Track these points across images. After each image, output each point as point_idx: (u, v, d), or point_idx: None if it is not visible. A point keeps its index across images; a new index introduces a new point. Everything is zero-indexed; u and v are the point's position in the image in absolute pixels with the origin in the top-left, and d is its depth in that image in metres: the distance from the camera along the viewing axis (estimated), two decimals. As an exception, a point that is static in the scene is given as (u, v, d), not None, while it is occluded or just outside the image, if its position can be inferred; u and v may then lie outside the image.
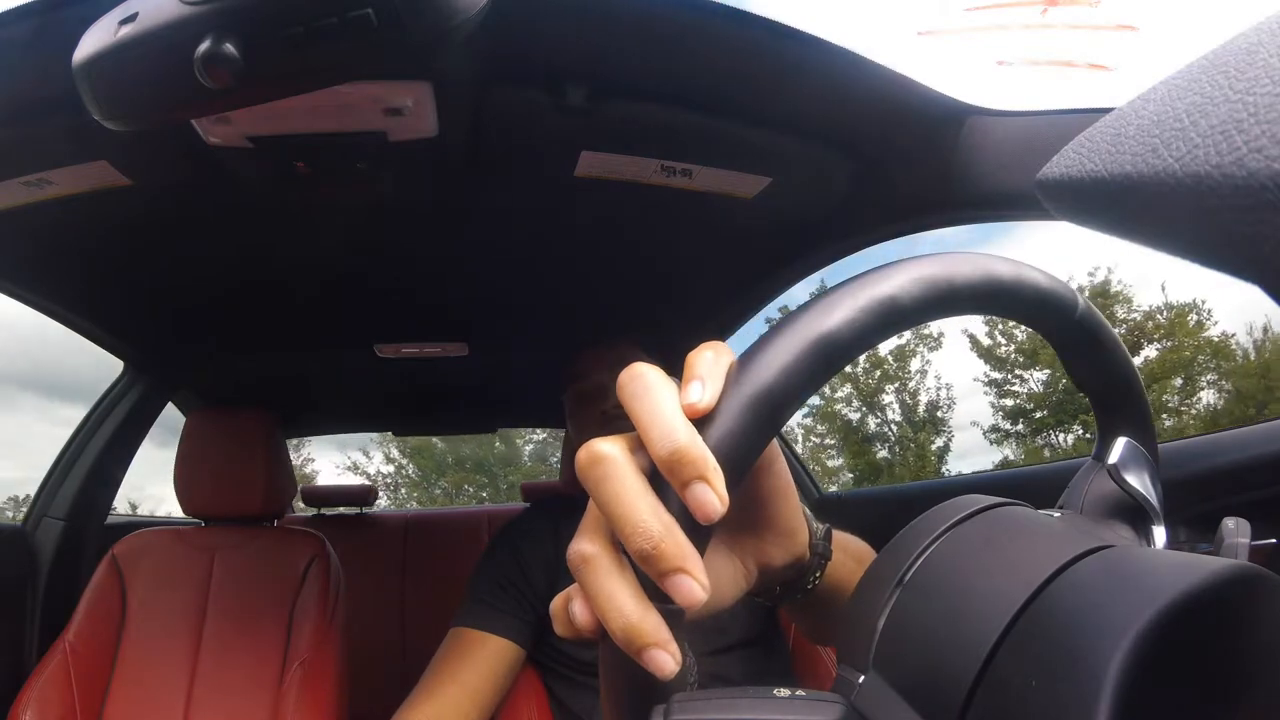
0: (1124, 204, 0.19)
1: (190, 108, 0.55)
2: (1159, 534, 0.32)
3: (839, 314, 0.25)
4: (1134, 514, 0.32)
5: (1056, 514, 0.31)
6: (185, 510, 1.41)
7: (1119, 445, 0.33)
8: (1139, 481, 0.32)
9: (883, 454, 17.65)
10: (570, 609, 0.25)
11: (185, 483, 1.38)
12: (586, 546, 0.24)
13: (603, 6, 0.68)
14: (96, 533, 1.54)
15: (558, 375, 1.18)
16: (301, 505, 2.39)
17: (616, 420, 1.05)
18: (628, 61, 0.75)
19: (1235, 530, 0.31)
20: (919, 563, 0.28)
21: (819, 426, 18.53)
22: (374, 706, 1.28)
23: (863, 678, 0.26)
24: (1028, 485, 1.36)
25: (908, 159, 0.90)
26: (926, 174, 0.90)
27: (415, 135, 0.77)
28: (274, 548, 1.37)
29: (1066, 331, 0.31)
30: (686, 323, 1.43)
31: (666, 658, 0.23)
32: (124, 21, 0.48)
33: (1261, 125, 0.15)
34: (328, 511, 2.25)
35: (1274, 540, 0.70)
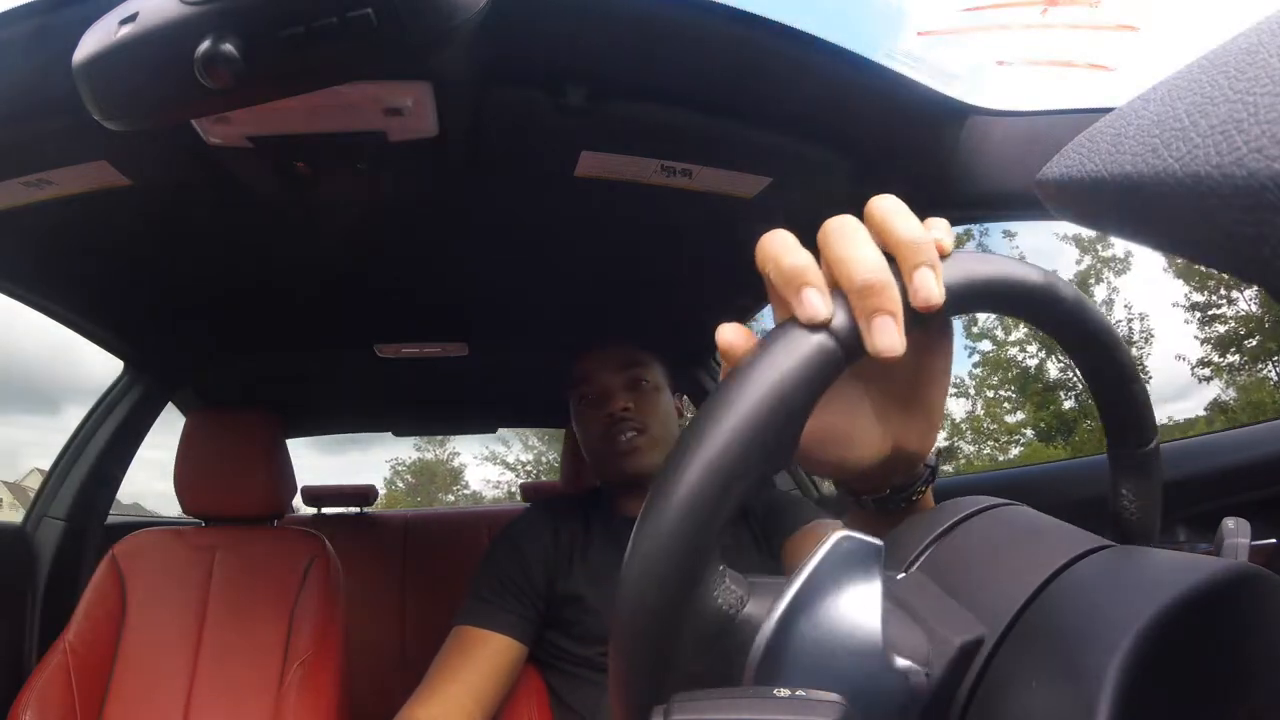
0: (1124, 204, 0.19)
1: (190, 108, 0.55)
2: None
3: (1040, 278, 0.28)
4: None
5: None
6: (185, 510, 1.40)
7: None
8: None
9: (1068, 404, 14.48)
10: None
11: (185, 483, 1.37)
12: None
13: (603, 6, 0.68)
14: (96, 533, 1.54)
15: (558, 375, 1.18)
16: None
17: (622, 422, 1.06)
18: (628, 61, 0.75)
19: (1235, 530, 0.32)
20: (920, 562, 0.28)
21: (992, 377, 15.27)
22: (375, 706, 1.28)
23: (902, 574, 0.28)
24: (1029, 485, 1.36)
25: (908, 159, 0.90)
26: (926, 174, 0.90)
27: (415, 135, 0.77)
28: (274, 548, 1.37)
29: (1143, 451, 0.32)
30: (686, 323, 1.43)
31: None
32: (124, 21, 0.48)
33: (1261, 125, 0.15)
34: (328, 511, 2.25)
35: (1274, 540, 0.70)
